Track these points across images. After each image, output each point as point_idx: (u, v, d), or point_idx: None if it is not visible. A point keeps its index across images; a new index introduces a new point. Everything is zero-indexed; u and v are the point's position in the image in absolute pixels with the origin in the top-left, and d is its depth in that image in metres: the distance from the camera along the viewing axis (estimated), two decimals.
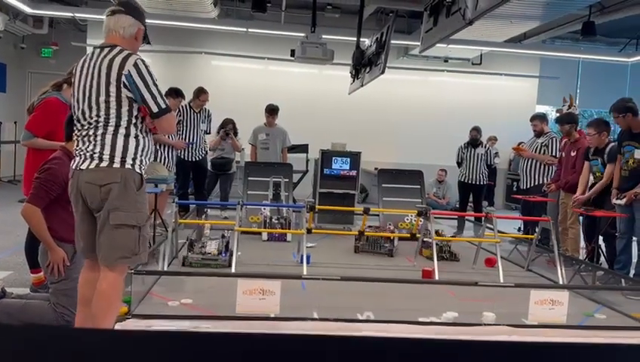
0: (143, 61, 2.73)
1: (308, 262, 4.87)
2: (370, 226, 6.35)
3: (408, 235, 6.48)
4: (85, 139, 2.72)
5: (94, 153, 2.68)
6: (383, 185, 7.55)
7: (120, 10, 2.81)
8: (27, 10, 9.43)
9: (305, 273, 4.48)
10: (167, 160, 6.53)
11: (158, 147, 6.49)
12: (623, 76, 12.19)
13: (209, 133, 7.66)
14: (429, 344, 0.76)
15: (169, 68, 11.17)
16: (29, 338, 0.73)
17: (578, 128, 6.53)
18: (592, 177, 5.77)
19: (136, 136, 2.75)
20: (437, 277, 4.68)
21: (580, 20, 8.70)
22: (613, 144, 5.55)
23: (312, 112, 11.16)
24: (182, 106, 7.11)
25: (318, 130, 10.14)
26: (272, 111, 7.91)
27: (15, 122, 10.73)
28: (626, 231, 5.18)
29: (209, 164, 7.75)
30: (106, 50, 2.73)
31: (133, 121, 2.74)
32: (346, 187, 7.52)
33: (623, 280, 5.02)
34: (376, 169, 9.30)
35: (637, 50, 10.94)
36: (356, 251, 6.07)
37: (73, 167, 2.74)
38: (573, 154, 6.14)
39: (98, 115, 2.70)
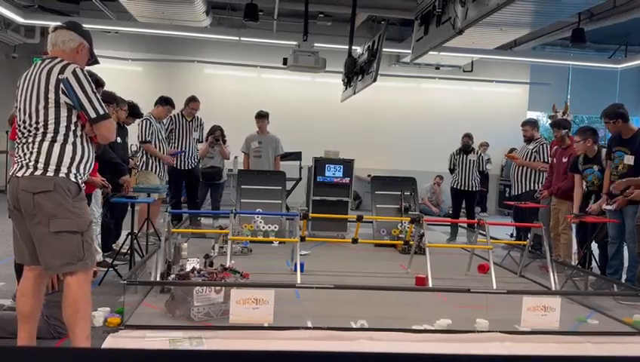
0: (82, 70, 2.81)
1: (302, 271, 4.87)
2: None
3: (401, 242, 6.50)
4: (25, 147, 2.79)
5: (30, 161, 2.75)
6: (376, 192, 7.56)
7: (62, 27, 2.95)
8: (19, 20, 9.42)
9: (299, 281, 4.47)
10: (158, 169, 6.51)
11: (149, 156, 6.48)
12: (613, 82, 12.32)
13: (201, 141, 7.65)
14: (417, 359, 0.77)
15: (161, 76, 11.18)
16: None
17: (570, 135, 6.58)
18: (584, 186, 5.81)
19: (74, 144, 2.80)
20: (430, 284, 4.69)
21: (570, 27, 8.79)
22: (605, 149, 5.61)
23: (304, 120, 11.19)
24: (174, 115, 7.11)
25: (311, 137, 10.17)
26: (260, 116, 7.91)
27: (7, 131, 10.66)
28: (617, 237, 5.21)
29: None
30: (47, 60, 2.84)
31: (72, 127, 2.80)
32: (339, 194, 7.53)
33: (614, 286, 5.05)
34: (369, 176, 9.33)
35: (626, 56, 11.06)
36: None
37: (10, 173, 2.80)
38: (564, 160, 6.18)
39: (37, 122, 2.77)
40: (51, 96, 2.74)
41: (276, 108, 8.70)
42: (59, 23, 2.99)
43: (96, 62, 3.12)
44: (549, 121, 8.33)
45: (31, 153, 2.76)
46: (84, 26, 3.11)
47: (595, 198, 5.61)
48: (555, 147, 6.56)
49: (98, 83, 4.29)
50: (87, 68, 3.02)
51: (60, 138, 2.77)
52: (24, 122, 2.81)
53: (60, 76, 2.74)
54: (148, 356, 0.74)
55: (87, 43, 2.98)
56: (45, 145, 2.75)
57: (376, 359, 0.76)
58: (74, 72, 2.76)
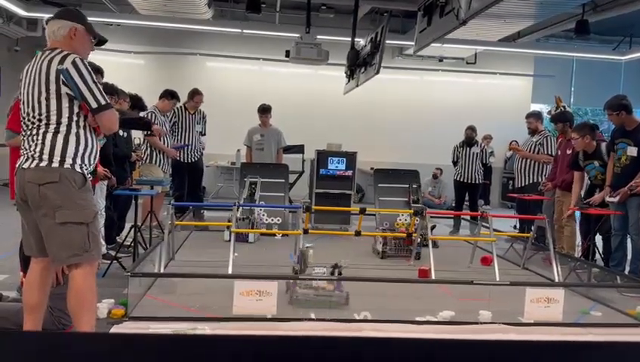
0: (82, 60, 2.79)
1: None
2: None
3: (404, 234, 6.49)
4: (29, 139, 2.80)
5: (35, 153, 2.76)
6: (379, 184, 7.56)
7: (52, 18, 2.93)
8: (22, 12, 9.42)
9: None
10: (162, 162, 6.52)
11: (153, 149, 6.49)
12: (617, 74, 12.26)
13: (204, 134, 7.65)
14: (426, 344, 0.77)
15: (164, 69, 11.17)
16: (25, 344, 0.73)
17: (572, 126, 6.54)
18: (587, 180, 5.81)
19: (77, 134, 2.80)
20: (433, 277, 4.69)
21: (574, 19, 8.74)
22: (604, 143, 5.60)
23: (307, 113, 11.18)
24: (177, 108, 7.11)
25: (313, 130, 10.16)
26: (264, 110, 7.89)
27: None
28: (621, 229, 5.20)
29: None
30: (47, 52, 2.83)
31: (75, 118, 2.80)
32: (342, 187, 7.53)
33: (618, 278, 5.05)
34: (372, 169, 9.32)
35: (630, 48, 11.00)
36: (383, 257, 5.91)
37: (17, 165, 2.82)
38: (568, 152, 6.15)
39: (40, 114, 2.77)
40: (52, 87, 2.74)
41: (279, 101, 8.68)
42: (51, 15, 2.97)
43: (102, 41, 3.08)
44: (549, 116, 8.32)
45: (36, 145, 2.76)
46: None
47: (599, 191, 5.60)
48: (560, 139, 6.54)
49: (97, 71, 4.27)
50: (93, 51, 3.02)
51: (63, 129, 2.77)
52: (28, 114, 2.82)
53: (59, 67, 2.73)
54: (153, 341, 0.75)
55: (80, 25, 2.92)
56: (49, 136, 2.76)
57: (375, 343, 0.76)
58: (73, 62, 2.74)
